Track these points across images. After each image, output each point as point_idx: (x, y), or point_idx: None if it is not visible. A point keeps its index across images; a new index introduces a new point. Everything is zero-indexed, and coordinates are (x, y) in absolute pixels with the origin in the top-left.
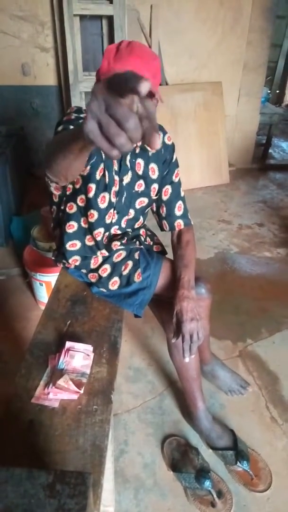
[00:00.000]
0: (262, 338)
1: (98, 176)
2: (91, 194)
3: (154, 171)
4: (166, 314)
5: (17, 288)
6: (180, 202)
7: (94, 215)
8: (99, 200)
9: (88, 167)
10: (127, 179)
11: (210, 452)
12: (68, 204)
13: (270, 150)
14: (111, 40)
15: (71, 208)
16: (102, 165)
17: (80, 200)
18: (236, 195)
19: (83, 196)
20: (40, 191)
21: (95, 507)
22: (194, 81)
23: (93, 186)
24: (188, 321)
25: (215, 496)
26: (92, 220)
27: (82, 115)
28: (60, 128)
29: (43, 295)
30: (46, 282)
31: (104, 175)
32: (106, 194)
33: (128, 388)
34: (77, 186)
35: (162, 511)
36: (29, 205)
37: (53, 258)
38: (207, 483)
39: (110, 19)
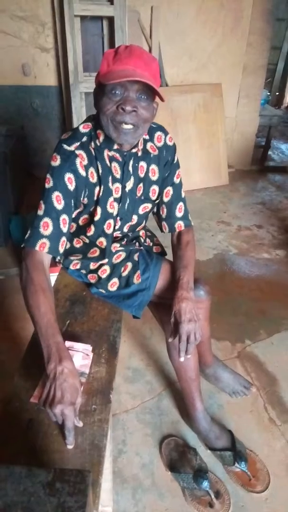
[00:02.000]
0: (260, 339)
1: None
2: (97, 217)
3: (154, 173)
4: (166, 315)
5: (16, 288)
6: (181, 204)
7: (91, 229)
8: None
9: (85, 201)
10: (129, 185)
11: (208, 453)
12: (75, 240)
13: (269, 152)
14: (111, 41)
15: (78, 243)
16: (97, 188)
17: (88, 231)
18: (235, 197)
19: (91, 227)
20: (39, 191)
21: (94, 506)
22: (194, 82)
23: (98, 210)
24: (186, 322)
25: (213, 496)
26: (90, 233)
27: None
28: (47, 185)
29: None
30: None
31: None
32: (103, 207)
33: (126, 389)
34: (81, 223)
35: (160, 511)
36: (28, 205)
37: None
38: (205, 484)
39: (110, 20)
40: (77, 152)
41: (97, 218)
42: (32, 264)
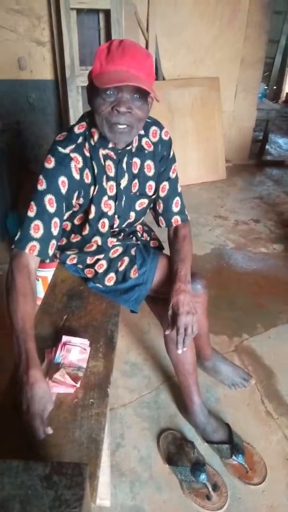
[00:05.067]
0: (257, 333)
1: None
2: (91, 216)
3: (150, 169)
4: (163, 309)
5: None
6: (177, 198)
7: (86, 228)
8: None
9: (81, 201)
10: (124, 182)
11: (205, 446)
12: (72, 235)
13: (267, 146)
14: (108, 34)
15: (75, 238)
16: (92, 187)
17: (83, 229)
18: (233, 191)
19: (86, 225)
20: (33, 189)
21: (91, 499)
22: (191, 76)
23: (92, 209)
24: (184, 314)
25: (210, 489)
26: (85, 232)
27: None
28: (40, 187)
29: (40, 290)
30: (43, 277)
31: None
32: (96, 205)
33: (124, 383)
34: (77, 222)
35: (158, 504)
36: (25, 200)
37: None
38: (203, 476)
39: (107, 13)
40: (72, 155)
41: (91, 216)
42: (17, 268)
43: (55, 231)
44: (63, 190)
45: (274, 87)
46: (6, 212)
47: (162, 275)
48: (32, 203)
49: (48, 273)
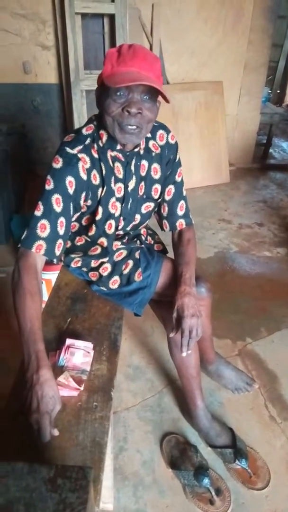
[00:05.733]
0: (261, 337)
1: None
2: (98, 217)
3: (156, 172)
4: (167, 313)
5: None
6: (182, 202)
7: (92, 229)
8: (107, 223)
9: (89, 203)
10: (132, 184)
11: (209, 450)
12: (77, 238)
13: (270, 150)
14: (112, 38)
15: (80, 241)
16: (100, 189)
17: (90, 230)
18: (236, 195)
19: (92, 226)
20: (40, 190)
21: (95, 503)
22: (195, 80)
23: (99, 210)
24: (189, 317)
25: (213, 493)
26: (92, 233)
27: (67, 169)
28: (47, 187)
29: (43, 293)
30: (46, 280)
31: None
32: (104, 207)
33: (127, 386)
34: (84, 223)
35: (161, 509)
36: (29, 203)
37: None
38: (206, 481)
39: (111, 17)
40: (80, 155)
41: (98, 217)
42: (24, 267)
43: (61, 230)
44: (70, 191)
45: (278, 91)
46: (11, 215)
47: (166, 278)
48: (39, 202)
49: (52, 275)
